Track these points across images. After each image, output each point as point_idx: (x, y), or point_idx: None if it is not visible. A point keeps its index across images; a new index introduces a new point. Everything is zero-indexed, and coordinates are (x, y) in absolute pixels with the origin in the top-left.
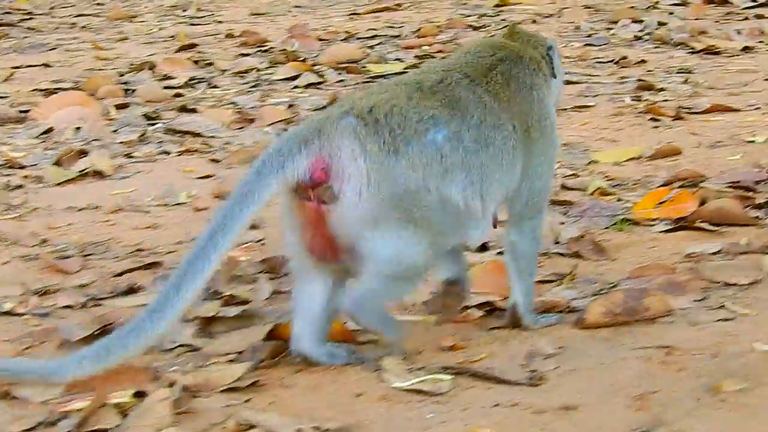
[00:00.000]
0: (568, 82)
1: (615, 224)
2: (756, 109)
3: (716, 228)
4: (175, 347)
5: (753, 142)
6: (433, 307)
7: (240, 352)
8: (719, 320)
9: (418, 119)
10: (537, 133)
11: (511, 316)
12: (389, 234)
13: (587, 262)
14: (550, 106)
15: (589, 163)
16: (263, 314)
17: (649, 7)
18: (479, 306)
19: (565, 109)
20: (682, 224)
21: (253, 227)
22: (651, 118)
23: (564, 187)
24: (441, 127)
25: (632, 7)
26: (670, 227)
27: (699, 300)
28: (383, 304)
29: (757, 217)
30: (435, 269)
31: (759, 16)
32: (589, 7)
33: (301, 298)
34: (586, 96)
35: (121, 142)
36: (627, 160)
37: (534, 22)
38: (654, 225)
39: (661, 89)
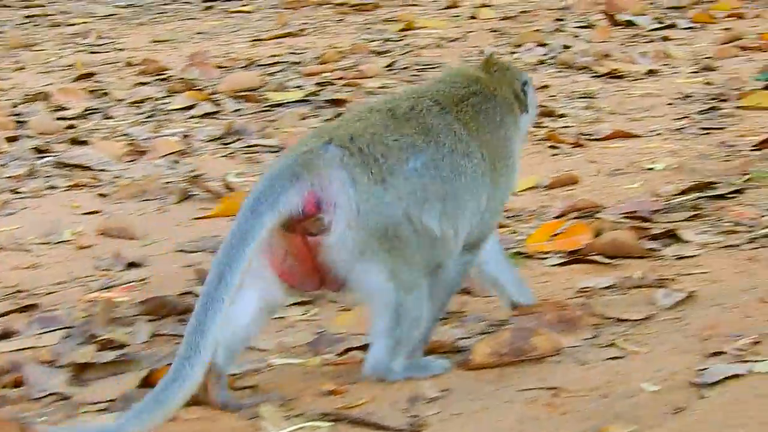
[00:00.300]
0: None
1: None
2: (657, 135)
3: (610, 261)
4: (45, 396)
5: (652, 169)
6: None
7: (112, 401)
8: (609, 359)
9: (399, 147)
10: (503, 169)
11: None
12: (377, 264)
13: (477, 299)
14: (516, 146)
15: None
16: (140, 359)
17: (554, 30)
18: (361, 348)
19: None
20: (575, 257)
21: (134, 265)
22: (550, 146)
23: None
24: (420, 154)
25: (537, 30)
26: (563, 260)
27: (589, 338)
28: (402, 356)
29: (652, 249)
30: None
31: (665, 38)
32: (494, 31)
33: (232, 315)
34: None
35: (8, 177)
36: (524, 190)
37: (438, 46)
38: (547, 258)
39: (563, 115)
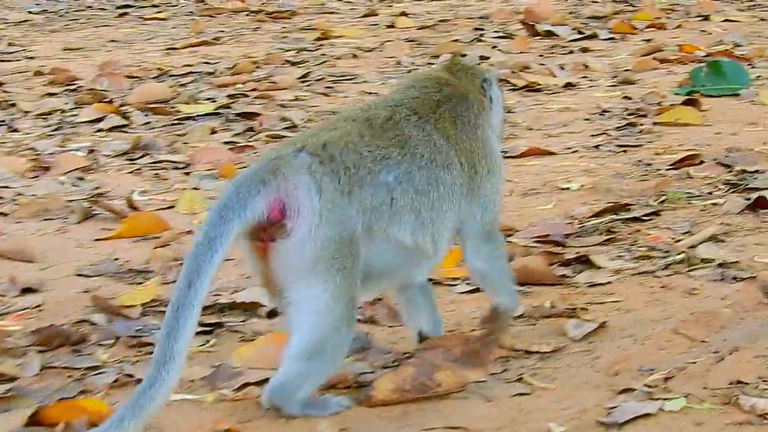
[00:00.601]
0: None
1: None
2: (573, 152)
3: (521, 288)
4: None
5: (567, 189)
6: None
7: None
8: (516, 395)
9: (372, 158)
10: (483, 169)
11: (493, 315)
12: (318, 281)
13: (382, 329)
14: (494, 143)
15: None
16: (29, 394)
17: (473, 40)
18: (258, 383)
19: None
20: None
21: (30, 290)
22: None
23: None
24: (393, 167)
25: (456, 40)
26: (472, 287)
27: (497, 372)
28: (308, 391)
29: (563, 276)
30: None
31: (584, 50)
32: (412, 41)
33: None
34: None
35: None
36: None
37: (354, 56)
38: (456, 285)
39: None
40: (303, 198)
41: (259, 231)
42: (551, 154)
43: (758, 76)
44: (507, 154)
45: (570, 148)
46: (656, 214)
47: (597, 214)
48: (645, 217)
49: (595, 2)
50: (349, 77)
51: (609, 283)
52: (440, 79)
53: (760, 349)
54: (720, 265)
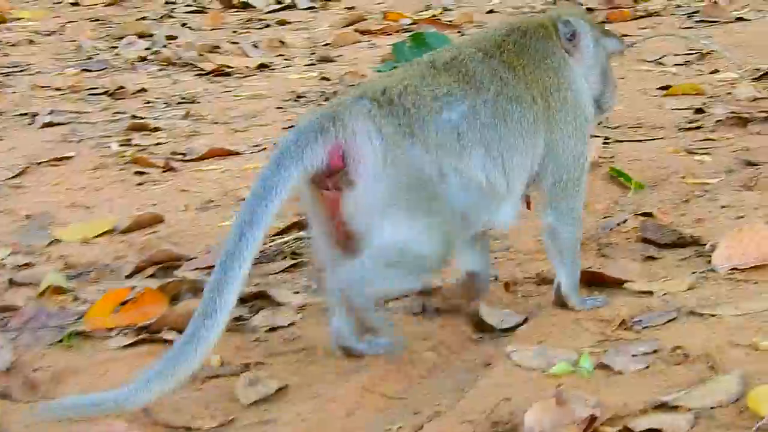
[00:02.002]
0: (52, 124)
1: (62, 340)
2: (261, 150)
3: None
4: None
5: None
6: (450, 296)
7: None
8: None
9: (433, 97)
10: (557, 103)
11: (556, 297)
12: (401, 221)
13: (17, 407)
14: (573, 78)
15: (51, 243)
16: None
17: (162, 16)
18: None
19: (39, 164)
20: (145, 336)
21: None
22: (137, 171)
23: (12, 284)
24: (456, 103)
25: (143, 18)
26: (131, 341)
27: None
28: (379, 292)
29: (238, 318)
30: (445, 263)
31: (281, 22)
32: (96, 20)
33: (335, 291)
34: (69, 142)
35: None
36: (98, 236)
37: (31, 42)
38: (112, 337)
39: (157, 129)
40: (362, 143)
41: (323, 180)
42: (236, 154)
43: None
44: (186, 157)
45: (258, 146)
46: None
47: (282, 232)
48: None
49: None
50: (22, 68)
51: (292, 324)
52: (514, 20)
53: (467, 407)
54: (421, 293)
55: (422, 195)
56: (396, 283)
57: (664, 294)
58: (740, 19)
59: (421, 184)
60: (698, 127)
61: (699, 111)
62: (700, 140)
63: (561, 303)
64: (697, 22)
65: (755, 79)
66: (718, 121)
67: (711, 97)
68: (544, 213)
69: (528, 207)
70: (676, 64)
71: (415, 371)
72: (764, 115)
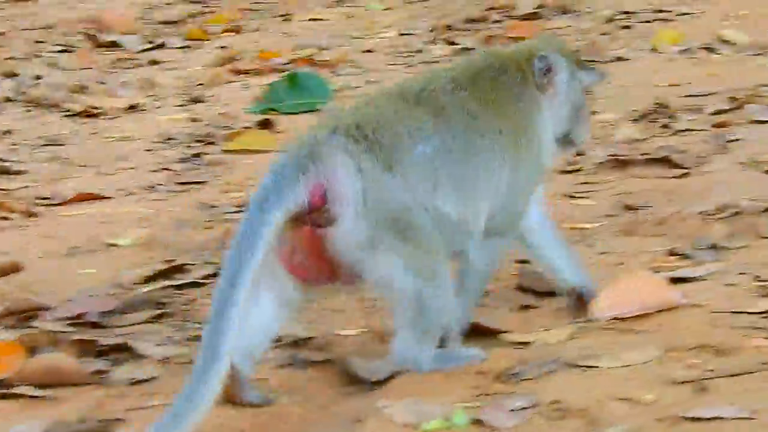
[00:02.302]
0: None
1: None
2: (129, 195)
3: (45, 393)
4: None
5: (117, 245)
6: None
7: None
8: None
9: (407, 133)
10: (522, 147)
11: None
12: (387, 254)
13: None
14: (542, 120)
15: None
16: None
17: (29, 55)
18: None
19: None
20: (3, 390)
21: None
22: (2, 217)
23: None
24: (429, 137)
25: (10, 57)
26: None
27: None
28: (429, 346)
29: (99, 372)
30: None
31: (153, 62)
32: None
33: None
34: None
35: None
36: None
37: None
38: None
39: (20, 172)
40: (344, 181)
41: (303, 217)
42: (103, 198)
43: (342, 87)
44: (51, 201)
45: (124, 190)
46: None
47: (149, 279)
48: (204, 280)
49: (169, 4)
50: None
51: (153, 378)
52: (491, 51)
53: None
54: (294, 344)
55: (404, 227)
56: (432, 332)
57: (543, 345)
58: (619, 58)
59: (402, 217)
60: (578, 170)
61: (579, 153)
62: (581, 183)
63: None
64: None
65: (634, 120)
66: (598, 163)
67: (591, 138)
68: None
69: None
70: None
71: (284, 427)
72: (644, 157)
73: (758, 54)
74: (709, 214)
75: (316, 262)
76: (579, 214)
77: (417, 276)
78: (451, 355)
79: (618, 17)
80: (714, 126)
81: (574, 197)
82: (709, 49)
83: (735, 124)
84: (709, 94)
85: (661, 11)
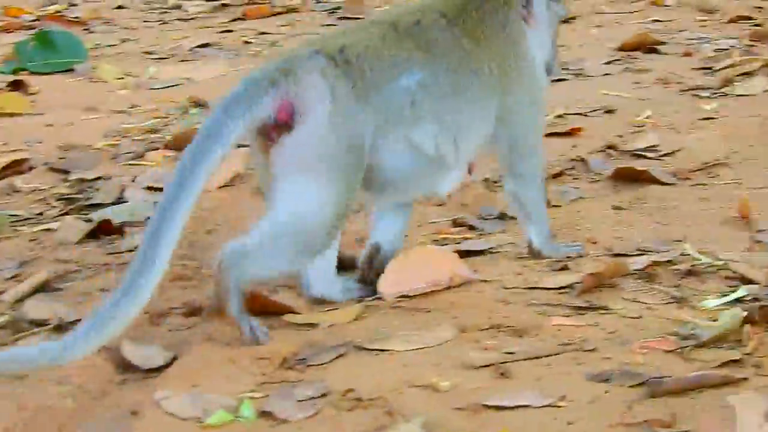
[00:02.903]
0: None
1: None
2: None
3: None
4: None
5: None
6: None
7: None
8: None
9: (392, 63)
10: (514, 72)
11: (530, 253)
12: (310, 187)
13: None
14: (529, 46)
15: None
16: None
17: None
18: None
19: None
20: None
21: None
22: None
23: None
24: (415, 71)
25: None
26: None
27: None
28: (259, 270)
29: None
30: (328, 245)
31: None
32: None
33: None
34: None
35: None
36: None
37: None
38: None
39: None
40: (312, 101)
41: (268, 131)
42: None
43: (97, 45)
44: None
45: None
46: None
47: None
48: None
49: None
50: None
51: None
52: None
53: None
54: (58, 328)
55: (349, 163)
56: (278, 264)
57: (330, 326)
58: None
59: (354, 152)
60: None
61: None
62: None
63: (536, 256)
64: (339, 19)
65: None
66: None
67: None
68: (505, 180)
69: (469, 172)
70: None
71: (52, 424)
72: None
73: None
74: (493, 181)
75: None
76: None
77: (320, 215)
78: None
79: None
80: None
81: None
82: None
83: None
84: None
85: None
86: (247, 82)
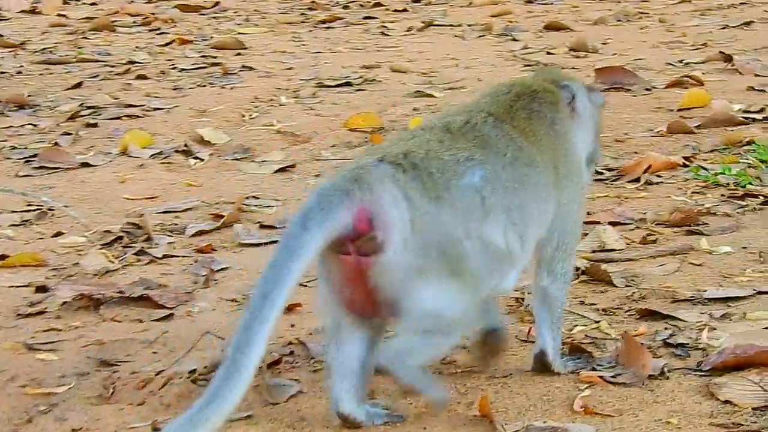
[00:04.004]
0: None
1: None
2: None
3: None
4: None
5: None
6: (473, 356)
7: None
8: None
9: (455, 161)
10: (564, 169)
11: (538, 362)
12: (434, 285)
13: None
14: (576, 142)
15: None
16: None
17: None
18: None
19: None
20: None
21: None
22: None
23: None
24: (478, 167)
25: None
26: None
27: None
28: (421, 360)
29: None
30: (474, 322)
31: None
32: None
33: (340, 358)
34: None
35: None
36: None
37: None
38: None
39: None
40: (390, 207)
41: (345, 244)
42: None
43: None
44: None
45: None
46: None
47: None
48: None
49: None
50: None
51: None
52: (513, 81)
53: None
54: None
55: (452, 257)
56: (434, 350)
57: None
58: (85, 164)
59: (450, 247)
60: (41, 312)
61: (41, 289)
62: (44, 331)
63: (543, 368)
64: (36, 168)
65: (106, 244)
66: (64, 303)
67: (55, 269)
68: (539, 276)
69: None
70: (12, 225)
71: None
72: (119, 295)
73: (240, 158)
74: (201, 374)
75: (361, 293)
76: (42, 373)
77: (459, 305)
78: (426, 379)
79: (83, 113)
80: (197, 251)
81: (38, 350)
82: (186, 152)
83: (220, 248)
84: (190, 209)
85: (130, 106)
86: (319, 193)
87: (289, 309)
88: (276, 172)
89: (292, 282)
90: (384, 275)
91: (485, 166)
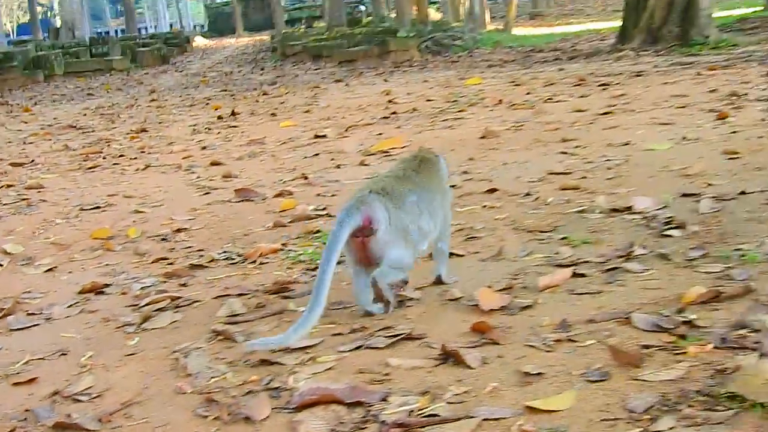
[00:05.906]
0: None
1: None
2: None
3: None
4: None
5: None
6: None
7: None
8: None
9: (404, 191)
10: (443, 194)
11: (437, 281)
12: (398, 249)
13: None
14: (444, 181)
15: None
16: None
17: None
18: None
19: None
20: None
21: None
22: None
23: None
24: (414, 193)
25: None
26: None
27: None
28: (389, 281)
29: None
30: (411, 266)
31: None
32: None
33: (358, 283)
34: None
35: None
36: None
37: None
38: None
39: None
40: (380, 214)
41: (356, 233)
42: None
43: None
44: None
45: None
46: None
47: None
48: None
49: None
50: None
51: None
52: (416, 154)
53: None
54: None
55: (406, 236)
56: (394, 276)
57: None
58: None
59: (405, 231)
60: None
61: None
62: None
63: (440, 283)
64: None
65: None
66: None
67: None
68: (438, 243)
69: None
70: None
71: None
72: None
73: (24, 264)
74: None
75: (364, 256)
76: None
77: (407, 257)
78: (391, 294)
79: None
80: None
81: None
82: None
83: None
84: None
85: None
86: (346, 209)
87: (30, 381)
88: (45, 272)
89: (338, 252)
90: (375, 246)
91: (417, 193)
